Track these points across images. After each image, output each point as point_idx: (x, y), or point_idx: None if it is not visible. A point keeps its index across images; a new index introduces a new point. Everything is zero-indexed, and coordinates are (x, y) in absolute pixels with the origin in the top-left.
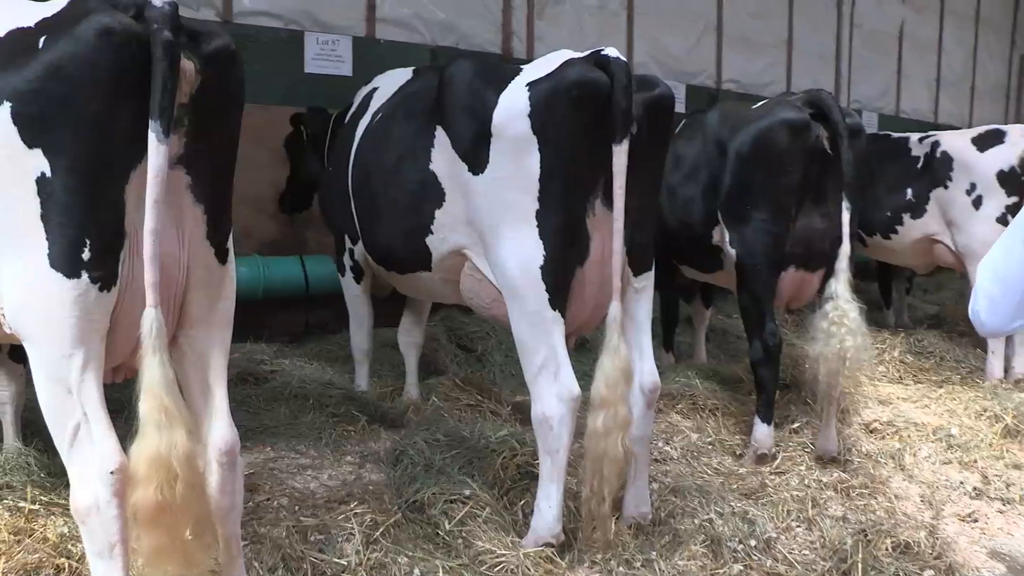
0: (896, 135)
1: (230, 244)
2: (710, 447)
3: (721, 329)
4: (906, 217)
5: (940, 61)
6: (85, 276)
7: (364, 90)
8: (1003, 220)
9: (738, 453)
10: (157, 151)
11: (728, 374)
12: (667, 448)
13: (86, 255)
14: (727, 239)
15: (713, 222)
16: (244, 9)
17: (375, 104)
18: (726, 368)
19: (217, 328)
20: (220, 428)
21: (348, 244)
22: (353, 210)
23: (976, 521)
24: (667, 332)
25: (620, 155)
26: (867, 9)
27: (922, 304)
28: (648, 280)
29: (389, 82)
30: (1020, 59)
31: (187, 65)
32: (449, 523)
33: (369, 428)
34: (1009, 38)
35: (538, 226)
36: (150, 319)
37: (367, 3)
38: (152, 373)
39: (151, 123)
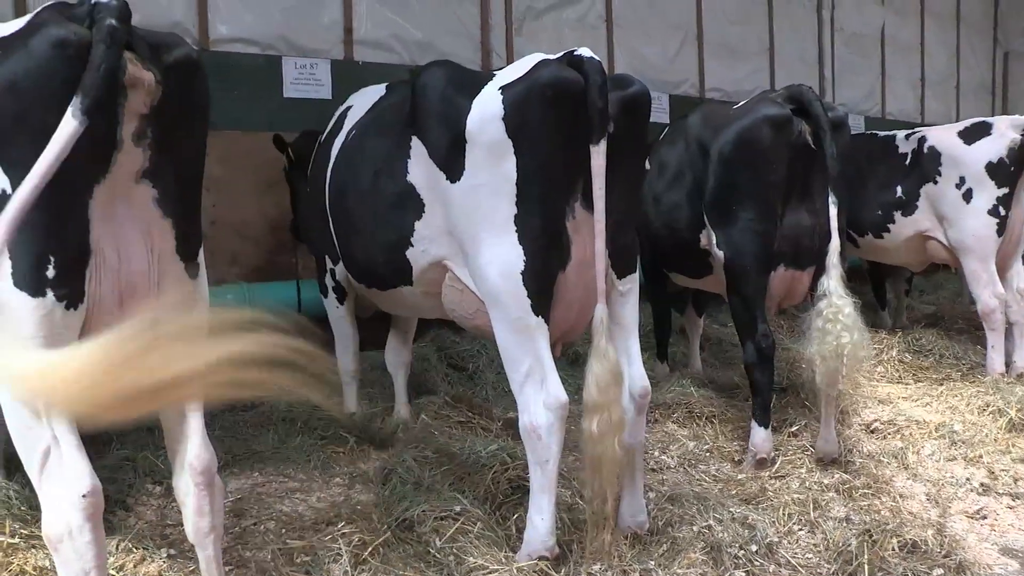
0: (883, 134)
1: (201, 259)
2: (708, 454)
3: (716, 338)
4: (897, 215)
5: (923, 62)
6: (50, 294)
7: (339, 109)
8: (994, 212)
9: (736, 459)
10: (66, 125)
11: (724, 381)
12: (663, 457)
13: (51, 273)
14: (714, 241)
15: (700, 225)
16: (221, 36)
17: (349, 122)
18: (722, 375)
19: None
20: (196, 448)
21: (329, 265)
22: (332, 230)
23: (985, 518)
24: (660, 343)
25: (598, 155)
26: (847, 13)
27: (919, 304)
28: (633, 283)
29: (363, 100)
30: (1004, 56)
31: (146, 75)
32: (440, 540)
33: (358, 449)
34: (991, 35)
35: (517, 231)
36: None
37: (344, 26)
38: None
39: (73, 98)
